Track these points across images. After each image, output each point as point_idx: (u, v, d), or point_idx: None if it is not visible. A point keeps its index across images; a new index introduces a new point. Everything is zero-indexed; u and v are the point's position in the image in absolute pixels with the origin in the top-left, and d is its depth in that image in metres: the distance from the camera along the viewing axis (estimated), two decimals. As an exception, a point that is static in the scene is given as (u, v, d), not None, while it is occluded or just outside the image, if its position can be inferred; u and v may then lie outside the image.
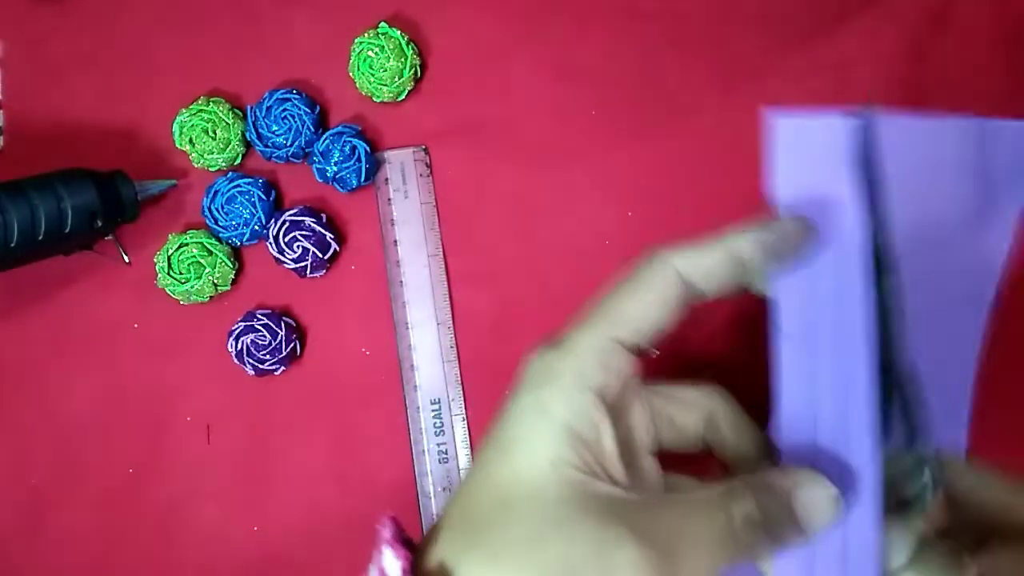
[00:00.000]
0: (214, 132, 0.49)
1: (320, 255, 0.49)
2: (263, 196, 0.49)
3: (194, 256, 0.49)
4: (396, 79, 0.50)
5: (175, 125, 0.50)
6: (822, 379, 0.27)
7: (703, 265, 0.28)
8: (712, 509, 0.25)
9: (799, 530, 0.25)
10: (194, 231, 0.49)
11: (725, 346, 0.49)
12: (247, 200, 0.49)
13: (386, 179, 0.51)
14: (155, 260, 0.49)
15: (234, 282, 0.50)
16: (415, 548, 0.26)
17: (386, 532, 0.27)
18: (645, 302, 0.28)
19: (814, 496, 0.25)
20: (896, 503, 0.27)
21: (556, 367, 0.27)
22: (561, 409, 0.26)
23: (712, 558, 0.24)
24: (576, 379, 0.26)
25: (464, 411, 0.50)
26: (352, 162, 0.49)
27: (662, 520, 0.24)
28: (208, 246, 0.49)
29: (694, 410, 0.30)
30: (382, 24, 0.50)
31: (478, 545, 0.25)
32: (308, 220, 0.49)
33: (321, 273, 0.50)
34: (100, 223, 0.47)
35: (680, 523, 0.24)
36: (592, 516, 0.24)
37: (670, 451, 0.30)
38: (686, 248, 0.28)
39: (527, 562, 0.24)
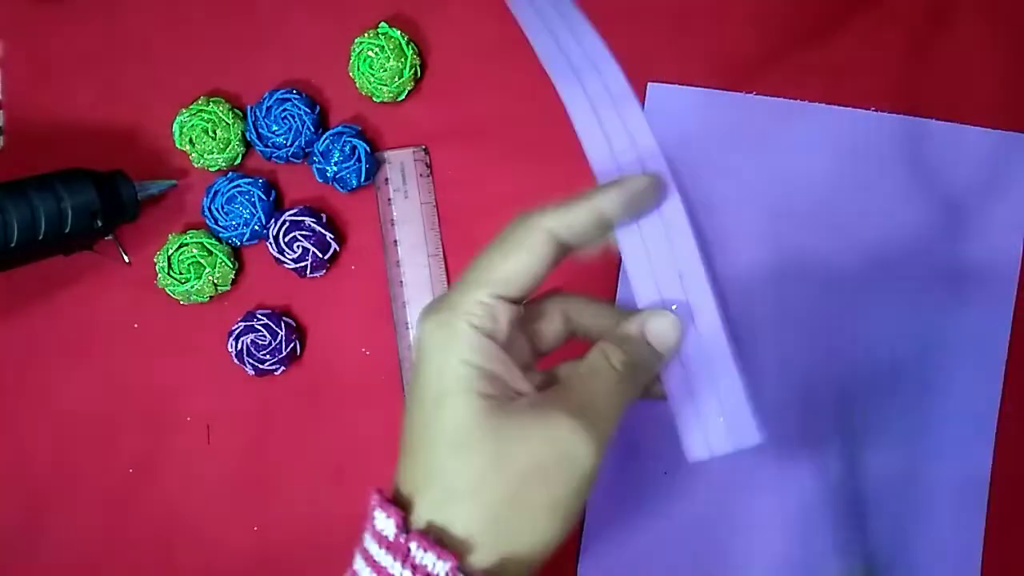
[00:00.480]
0: (214, 132, 0.49)
1: (320, 255, 0.49)
2: (263, 196, 0.49)
3: (194, 256, 0.49)
4: (396, 79, 0.50)
5: (175, 125, 0.50)
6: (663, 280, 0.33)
7: (571, 223, 0.31)
8: (600, 369, 0.31)
9: (659, 355, 0.32)
10: (194, 231, 0.49)
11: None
12: (247, 200, 0.49)
13: (386, 179, 0.51)
14: (155, 260, 0.49)
15: (234, 282, 0.50)
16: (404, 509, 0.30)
17: (374, 499, 0.30)
18: (519, 261, 0.31)
19: (658, 325, 0.32)
20: None
21: (454, 325, 0.30)
22: (473, 357, 0.29)
23: (618, 401, 0.30)
24: (475, 332, 0.30)
25: (464, 411, 0.50)
26: (352, 162, 0.49)
27: (575, 393, 0.30)
28: (208, 246, 0.49)
29: (553, 317, 0.35)
30: (382, 24, 0.50)
31: (453, 490, 0.29)
32: (308, 220, 0.49)
33: (321, 273, 0.50)
34: (100, 223, 0.47)
35: (586, 389, 0.30)
36: (531, 419, 0.29)
37: (547, 352, 0.35)
38: (555, 208, 0.31)
39: (500, 479, 0.29)
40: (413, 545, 0.28)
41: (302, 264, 0.49)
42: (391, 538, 0.28)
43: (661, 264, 0.33)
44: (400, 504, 0.30)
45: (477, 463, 0.29)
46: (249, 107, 0.50)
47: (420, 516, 0.29)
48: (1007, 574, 0.49)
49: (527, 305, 0.34)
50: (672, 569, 0.49)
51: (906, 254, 0.50)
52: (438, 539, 0.28)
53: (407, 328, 0.50)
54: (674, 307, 0.32)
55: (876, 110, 0.51)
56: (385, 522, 0.29)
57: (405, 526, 0.29)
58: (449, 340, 0.30)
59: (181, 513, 0.50)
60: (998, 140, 0.50)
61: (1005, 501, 0.49)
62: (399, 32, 0.50)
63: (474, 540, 0.28)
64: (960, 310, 0.50)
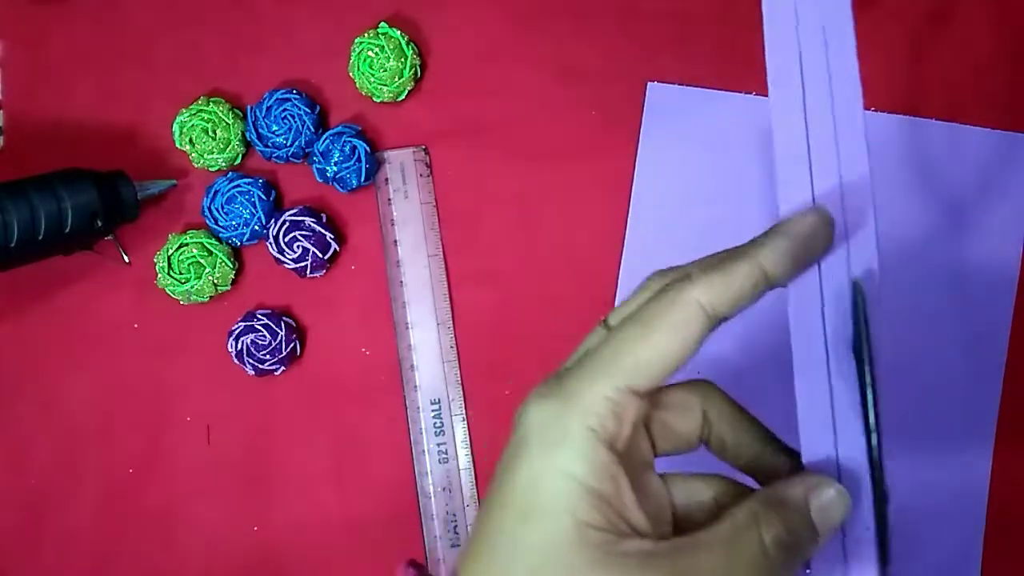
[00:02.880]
0: (214, 132, 0.49)
1: (320, 255, 0.49)
2: (263, 196, 0.49)
3: (194, 256, 0.49)
4: (396, 79, 0.49)
5: (175, 125, 0.50)
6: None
7: (730, 294, 0.25)
8: (744, 541, 0.24)
9: (817, 536, 0.25)
10: (194, 231, 0.49)
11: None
12: (247, 200, 0.49)
13: (386, 179, 0.51)
14: (155, 260, 0.49)
15: (234, 282, 0.50)
16: None
17: None
18: (663, 344, 0.25)
19: (827, 498, 0.25)
20: None
21: (567, 422, 0.24)
22: (579, 470, 0.24)
23: None
24: (589, 434, 0.24)
25: (464, 411, 0.50)
26: (352, 162, 0.49)
27: (700, 566, 0.24)
28: (208, 246, 0.49)
29: (689, 413, 0.28)
30: (382, 24, 0.50)
31: None
32: (308, 220, 0.48)
33: (321, 273, 0.50)
34: (100, 223, 0.47)
35: (717, 564, 0.24)
36: (631, 574, 0.23)
37: (668, 456, 0.30)
38: (708, 276, 0.25)
39: None
40: None
41: (302, 264, 0.49)
42: None
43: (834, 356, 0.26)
44: None
45: None
46: (249, 107, 0.50)
47: None
48: (1007, 574, 0.49)
49: (661, 390, 0.28)
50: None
51: (906, 254, 0.50)
52: None
53: (407, 328, 0.50)
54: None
55: (876, 110, 0.51)
56: None
57: None
58: (558, 441, 0.24)
59: (181, 513, 0.50)
60: (998, 140, 0.50)
61: (1005, 501, 0.49)
62: (399, 32, 0.50)
63: None
64: (960, 310, 0.50)
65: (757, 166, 0.51)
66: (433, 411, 0.50)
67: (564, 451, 0.24)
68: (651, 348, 0.25)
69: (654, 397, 0.27)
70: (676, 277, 0.26)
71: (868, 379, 0.26)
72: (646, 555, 0.24)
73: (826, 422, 0.27)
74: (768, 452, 0.28)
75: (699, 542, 0.24)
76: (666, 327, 0.25)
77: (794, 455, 0.28)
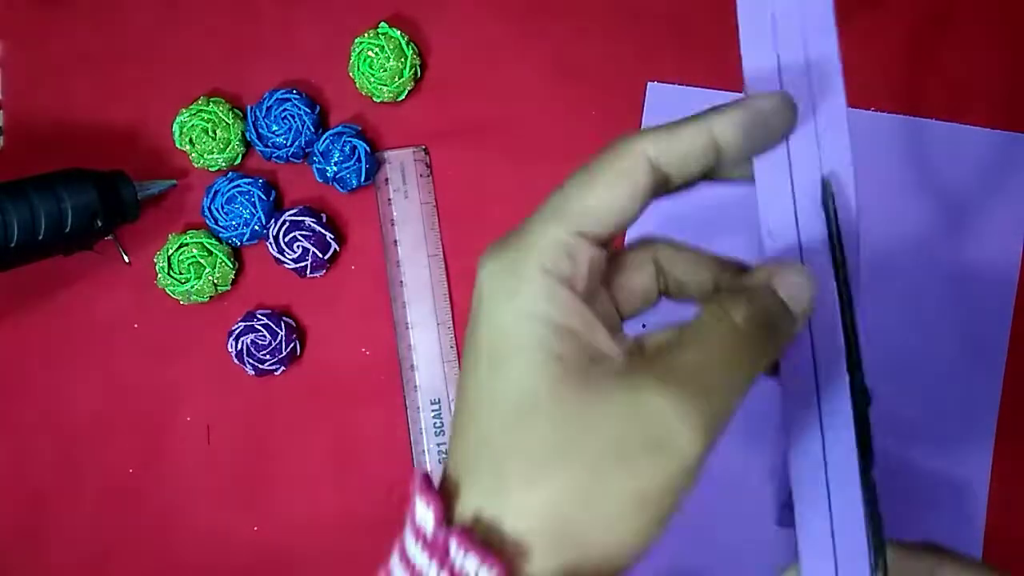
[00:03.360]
0: (214, 132, 0.49)
1: (320, 255, 0.49)
2: (263, 196, 0.49)
3: (194, 256, 0.49)
4: (396, 79, 0.49)
5: (175, 125, 0.50)
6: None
7: (677, 149, 0.25)
8: (716, 328, 0.24)
9: (791, 317, 0.25)
10: (194, 231, 0.49)
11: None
12: (247, 200, 0.49)
13: (386, 179, 0.51)
14: (155, 260, 0.49)
15: (234, 282, 0.50)
16: (448, 497, 0.24)
17: (416, 481, 0.24)
18: (609, 190, 0.25)
19: (793, 278, 0.25)
20: None
21: (522, 268, 0.24)
22: (541, 308, 0.24)
23: (739, 372, 0.23)
24: (547, 276, 0.24)
25: (464, 411, 0.50)
26: (352, 162, 0.49)
27: (678, 360, 0.23)
28: (208, 246, 0.49)
29: (642, 268, 0.28)
30: (382, 24, 0.50)
31: (511, 473, 0.23)
32: (308, 220, 0.48)
33: (321, 273, 0.50)
34: (100, 223, 0.47)
35: (695, 355, 0.23)
36: (614, 388, 0.23)
37: (633, 317, 0.29)
38: (656, 132, 0.25)
39: (571, 462, 0.22)
40: (453, 544, 0.22)
41: (302, 264, 0.49)
42: (429, 533, 0.23)
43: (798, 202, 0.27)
44: (447, 491, 0.24)
45: (542, 440, 0.23)
46: (249, 107, 0.50)
47: (467, 506, 0.23)
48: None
49: (614, 254, 0.28)
50: (665, 557, 0.49)
51: (906, 254, 0.50)
52: (485, 538, 0.22)
53: (407, 328, 0.50)
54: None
55: (876, 110, 0.51)
56: (424, 512, 0.23)
57: (446, 519, 0.23)
58: (516, 286, 0.24)
59: (181, 513, 0.50)
60: (998, 140, 0.50)
61: (1005, 501, 0.49)
62: (399, 32, 0.50)
63: (531, 541, 0.22)
64: (960, 310, 0.50)
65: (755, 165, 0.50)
66: (433, 411, 0.50)
67: (524, 294, 0.24)
68: (597, 193, 0.25)
69: (611, 262, 0.28)
70: (632, 133, 0.26)
71: (843, 280, 0.26)
72: (625, 365, 0.24)
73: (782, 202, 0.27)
74: (728, 277, 0.28)
75: (674, 343, 0.24)
76: (612, 174, 0.25)
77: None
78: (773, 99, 0.26)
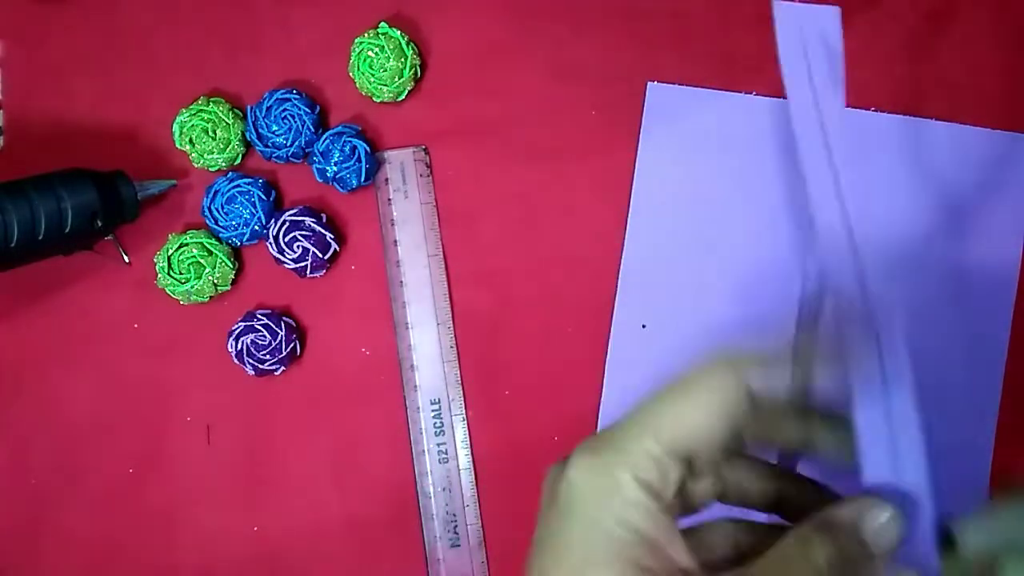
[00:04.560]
0: (214, 132, 0.49)
1: (320, 255, 0.49)
2: (263, 196, 0.49)
3: (194, 256, 0.49)
4: (396, 79, 0.49)
5: (175, 125, 0.50)
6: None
7: (776, 372, 0.25)
8: (798, 562, 0.24)
9: (871, 557, 0.25)
10: (194, 231, 0.49)
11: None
12: (247, 200, 0.49)
13: (386, 179, 0.51)
14: (155, 260, 0.49)
15: (234, 282, 0.50)
16: None
17: None
18: (701, 409, 0.25)
19: (879, 520, 0.25)
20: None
21: (617, 472, 0.24)
22: (634, 517, 0.24)
23: None
24: (639, 484, 0.24)
25: (464, 411, 0.50)
26: (352, 162, 0.49)
27: None
28: (208, 246, 0.49)
29: (705, 471, 0.28)
30: (382, 24, 0.50)
31: None
32: (308, 220, 0.48)
33: (321, 273, 0.50)
34: (100, 223, 0.47)
35: None
36: None
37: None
38: (754, 353, 0.25)
39: None
40: None
41: (302, 264, 0.49)
42: None
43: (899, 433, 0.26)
44: None
45: None
46: (249, 107, 0.50)
47: None
48: (1007, 574, 0.49)
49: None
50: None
51: (906, 254, 0.50)
52: None
53: (407, 328, 0.50)
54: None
55: (876, 110, 0.51)
56: None
57: None
58: (612, 490, 0.24)
59: (181, 513, 0.50)
60: (998, 140, 0.50)
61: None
62: (399, 32, 0.50)
63: None
64: (960, 310, 0.50)
65: (757, 166, 0.51)
66: (433, 411, 0.50)
67: (619, 499, 0.24)
68: (686, 409, 0.25)
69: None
70: (730, 349, 0.26)
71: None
72: None
73: (886, 446, 0.27)
74: (794, 491, 0.28)
75: (752, 572, 0.24)
76: (703, 390, 0.25)
77: (816, 485, 0.29)
78: (877, 517, 0.26)
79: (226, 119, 0.49)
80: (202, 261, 0.49)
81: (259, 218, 0.49)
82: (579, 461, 0.25)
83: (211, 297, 0.50)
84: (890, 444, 0.26)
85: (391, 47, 0.49)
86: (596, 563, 0.24)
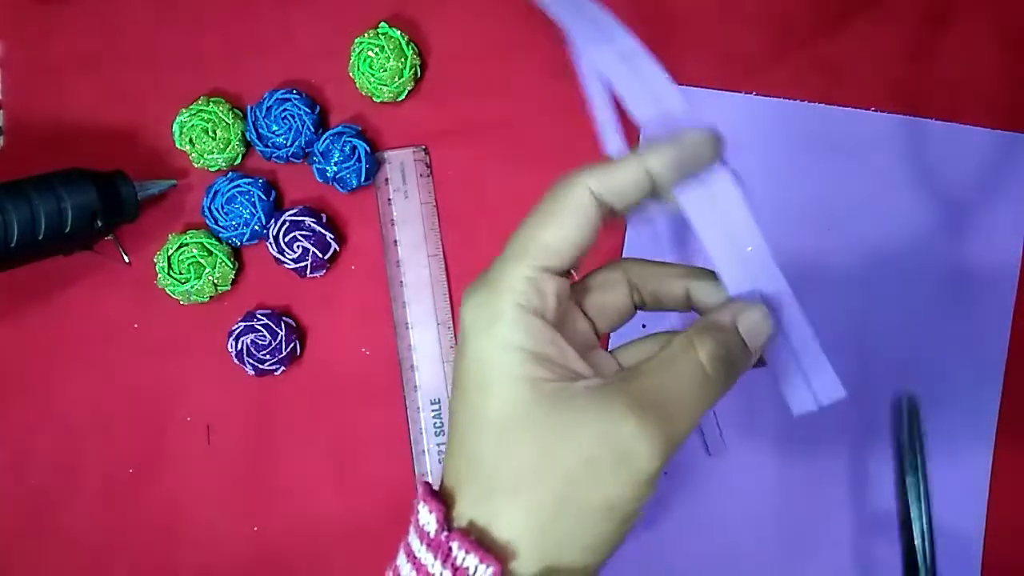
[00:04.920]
0: (214, 132, 0.49)
1: (320, 255, 0.49)
2: (263, 196, 0.49)
3: (194, 256, 0.49)
4: (396, 79, 0.50)
5: (175, 125, 0.50)
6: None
7: (616, 183, 0.28)
8: (684, 361, 0.27)
9: (749, 353, 0.28)
10: (194, 231, 0.49)
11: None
12: (247, 200, 0.49)
13: (386, 179, 0.51)
14: (155, 260, 0.49)
15: (234, 282, 0.50)
16: (447, 503, 0.27)
17: (420, 489, 0.27)
18: (561, 227, 0.28)
19: (753, 318, 0.28)
20: None
21: (496, 304, 0.27)
22: (518, 338, 0.27)
23: (699, 403, 0.27)
24: (519, 310, 0.27)
25: (464, 411, 0.50)
26: (352, 162, 0.49)
27: (645, 387, 0.26)
28: (208, 246, 0.49)
29: (615, 285, 0.31)
30: (382, 24, 0.50)
31: (496, 487, 0.26)
32: (308, 220, 0.48)
33: (321, 273, 0.50)
34: (100, 223, 0.47)
35: (661, 384, 0.27)
36: (585, 410, 0.26)
37: (611, 331, 0.32)
38: (598, 168, 0.28)
39: (547, 477, 0.26)
40: (454, 545, 0.25)
41: (302, 264, 0.49)
42: (432, 535, 0.26)
43: (730, 229, 0.30)
44: (445, 497, 0.27)
45: (523, 456, 0.26)
46: (249, 107, 0.50)
47: (463, 512, 0.27)
48: (1007, 574, 0.49)
49: (587, 276, 0.31)
50: (673, 567, 0.49)
51: (906, 254, 0.50)
52: (479, 539, 0.26)
53: (407, 328, 0.50)
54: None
55: (876, 110, 0.51)
56: (427, 517, 0.27)
57: (447, 523, 0.26)
58: (492, 321, 0.27)
59: (181, 513, 0.50)
60: (998, 140, 0.50)
61: (1005, 501, 0.49)
62: (399, 32, 0.50)
63: (518, 543, 0.26)
64: (960, 310, 0.50)
65: (756, 166, 0.51)
66: (433, 411, 0.50)
67: (500, 326, 0.27)
68: (552, 230, 0.28)
69: (581, 284, 0.31)
70: (574, 171, 0.29)
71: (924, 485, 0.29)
72: (597, 388, 0.27)
73: (738, 257, 0.30)
74: (700, 285, 0.31)
75: (642, 368, 0.27)
76: (561, 211, 0.28)
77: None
78: (699, 135, 0.29)
79: (226, 119, 0.49)
80: (202, 261, 0.49)
81: (259, 218, 0.49)
82: (466, 299, 0.28)
83: (211, 297, 0.50)
84: (741, 260, 0.30)
85: (391, 47, 0.49)
86: (490, 381, 0.27)
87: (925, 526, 0.27)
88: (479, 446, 0.27)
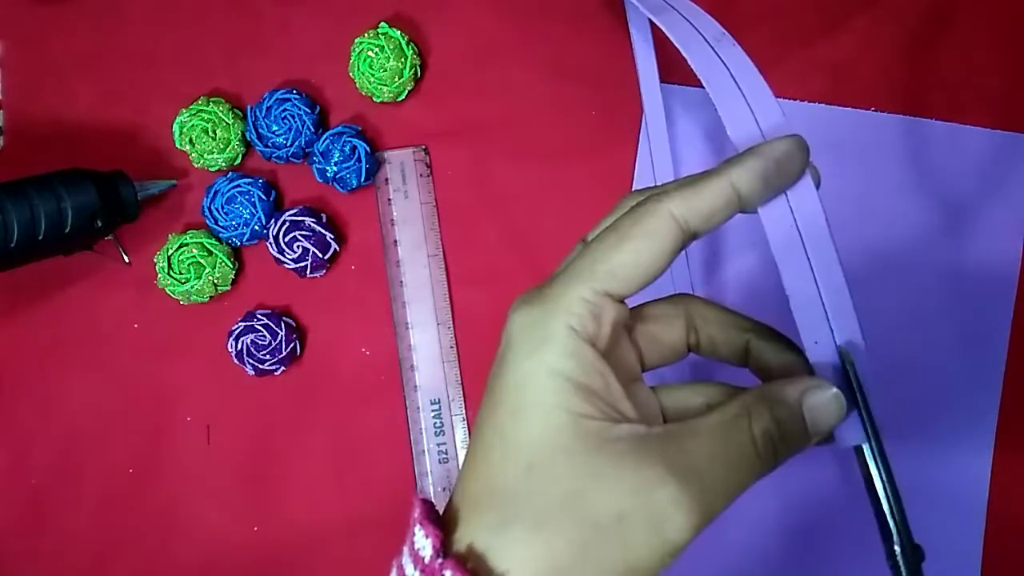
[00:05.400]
0: (214, 132, 0.49)
1: (320, 255, 0.49)
2: (263, 196, 0.49)
3: (194, 256, 0.49)
4: (396, 79, 0.50)
5: (175, 125, 0.50)
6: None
7: (703, 207, 0.26)
8: (736, 431, 0.25)
9: (807, 436, 0.26)
10: (194, 231, 0.49)
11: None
12: (247, 200, 0.49)
13: (386, 179, 0.51)
14: (155, 260, 0.49)
15: (234, 282, 0.50)
16: (445, 528, 0.26)
17: (416, 511, 0.26)
18: (636, 251, 0.26)
19: (822, 400, 0.26)
20: None
21: (549, 324, 0.25)
22: (565, 365, 0.25)
23: (740, 480, 0.25)
24: (570, 333, 0.25)
25: (464, 411, 0.50)
26: (352, 162, 0.49)
27: (690, 451, 0.24)
28: (208, 246, 0.49)
29: (673, 322, 0.30)
30: (382, 24, 0.50)
31: (514, 518, 0.24)
32: (308, 220, 0.48)
33: (321, 273, 0.50)
34: (100, 223, 0.47)
35: (708, 451, 0.24)
36: (625, 460, 0.24)
37: (657, 368, 0.30)
38: (681, 191, 0.26)
39: (572, 521, 0.24)
40: (447, 574, 0.24)
41: (302, 264, 0.49)
42: (427, 560, 0.25)
43: (813, 254, 0.28)
44: (448, 516, 0.26)
45: (552, 492, 0.24)
46: (249, 107, 0.50)
47: (465, 536, 0.25)
48: (1006, 574, 0.49)
49: (645, 305, 0.30)
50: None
51: (906, 254, 0.50)
52: (476, 568, 0.24)
53: (407, 328, 0.50)
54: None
55: (876, 110, 0.51)
56: (423, 541, 0.25)
57: (443, 550, 0.25)
58: (541, 343, 0.25)
59: (181, 513, 0.50)
60: (998, 140, 0.50)
61: (1005, 501, 0.49)
62: (399, 32, 0.50)
63: None
64: (960, 310, 0.50)
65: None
66: (433, 411, 0.50)
67: (549, 350, 0.25)
68: (625, 255, 0.26)
69: (637, 311, 0.29)
70: (651, 194, 0.27)
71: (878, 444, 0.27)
72: (639, 438, 0.25)
73: (821, 315, 0.27)
74: (763, 344, 0.29)
75: (690, 428, 0.25)
76: (639, 235, 0.26)
77: (792, 345, 0.29)
78: (788, 144, 0.27)
79: (226, 119, 0.49)
80: (202, 261, 0.49)
81: (259, 218, 0.49)
82: (517, 311, 0.26)
83: (211, 297, 0.50)
84: (817, 298, 0.27)
85: (391, 47, 0.49)
86: (528, 406, 0.25)
87: (887, 484, 0.27)
88: (504, 472, 0.25)
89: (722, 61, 0.30)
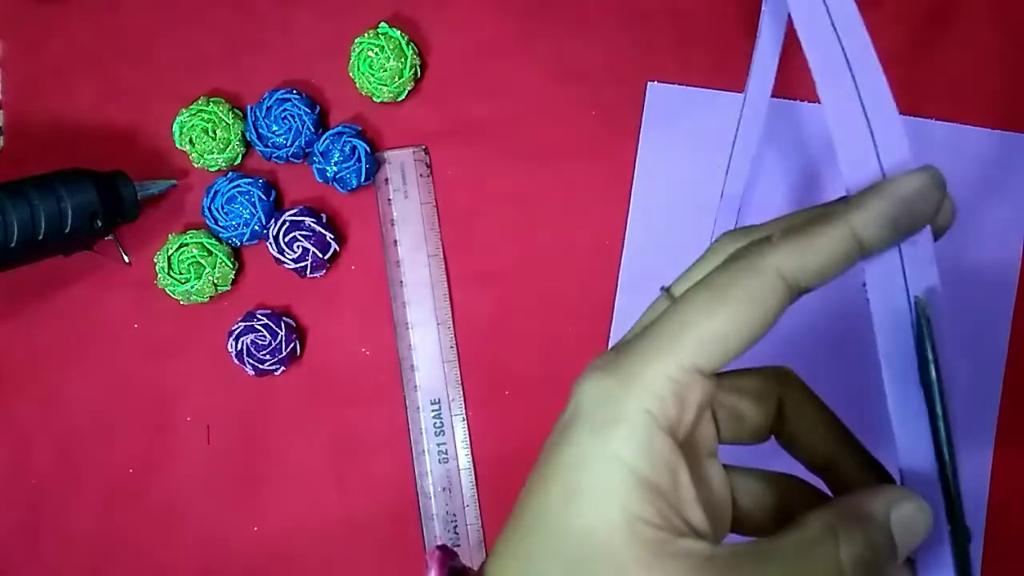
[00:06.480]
0: (214, 132, 0.49)
1: (320, 255, 0.49)
2: (263, 196, 0.49)
3: (194, 256, 0.49)
4: (396, 79, 0.49)
5: (175, 125, 0.50)
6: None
7: (819, 263, 0.21)
8: (817, 557, 0.21)
9: (895, 554, 0.22)
10: (194, 231, 0.49)
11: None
12: (247, 200, 0.49)
13: (386, 179, 0.51)
14: (155, 260, 0.49)
15: (234, 282, 0.50)
16: None
17: (433, 570, 0.23)
18: (734, 318, 0.21)
19: (909, 513, 0.22)
20: None
21: (623, 403, 0.21)
22: (633, 455, 0.21)
23: None
24: (647, 418, 0.21)
25: (464, 411, 0.50)
26: (352, 162, 0.49)
27: (767, 573, 0.21)
28: (208, 246, 0.49)
29: (763, 402, 0.25)
30: (382, 24, 0.50)
31: None
32: (308, 220, 0.48)
33: (321, 273, 0.50)
34: (100, 223, 0.47)
35: (787, 574, 0.21)
36: None
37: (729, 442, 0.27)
38: (791, 241, 0.21)
39: None
40: None
41: (302, 264, 0.49)
42: None
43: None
44: None
45: None
46: (249, 107, 0.50)
47: None
48: (1006, 573, 0.49)
49: (738, 374, 0.26)
50: None
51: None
52: None
53: (407, 328, 0.50)
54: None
55: (876, 110, 0.51)
56: None
57: None
58: (610, 422, 0.22)
59: (181, 513, 0.50)
60: (998, 140, 0.50)
61: (1005, 501, 0.49)
62: (399, 32, 0.50)
63: None
64: (960, 310, 0.50)
65: (756, 166, 0.50)
66: (433, 411, 0.50)
67: (618, 433, 0.21)
68: (721, 322, 0.21)
69: (723, 380, 0.25)
70: (753, 239, 0.22)
71: (940, 411, 0.23)
72: (703, 560, 0.21)
73: (922, 435, 0.24)
74: (844, 456, 0.25)
75: (765, 552, 0.21)
76: (740, 298, 0.21)
77: (874, 463, 0.26)
78: (919, 180, 0.23)
79: (226, 119, 0.49)
80: (202, 261, 0.49)
81: (259, 218, 0.49)
82: (587, 383, 0.22)
83: (211, 297, 0.50)
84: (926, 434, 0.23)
85: (391, 47, 0.49)
86: (583, 494, 0.21)
87: (945, 444, 0.24)
88: (543, 557, 0.22)
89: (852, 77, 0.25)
